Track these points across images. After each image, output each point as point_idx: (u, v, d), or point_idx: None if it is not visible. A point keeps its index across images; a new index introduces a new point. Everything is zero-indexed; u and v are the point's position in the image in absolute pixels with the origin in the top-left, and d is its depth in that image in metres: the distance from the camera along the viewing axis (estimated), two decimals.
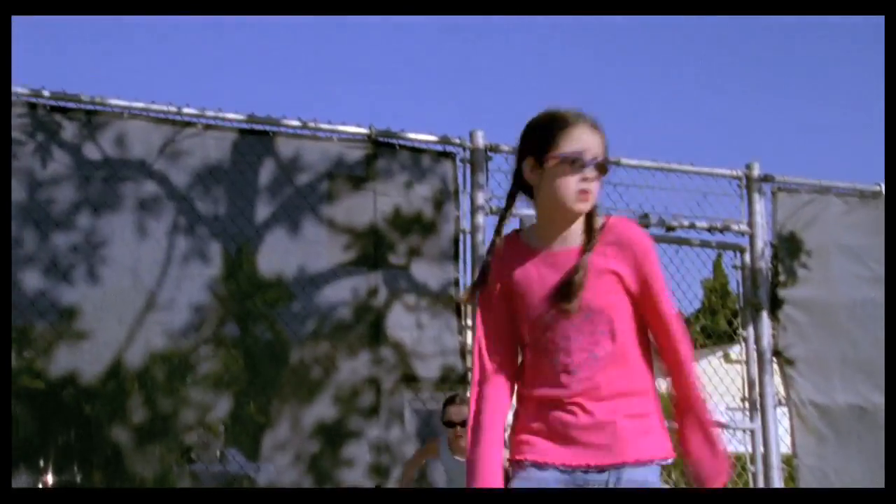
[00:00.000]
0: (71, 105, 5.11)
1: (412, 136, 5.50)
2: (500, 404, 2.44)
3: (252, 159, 5.32)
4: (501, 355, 2.48)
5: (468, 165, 5.50)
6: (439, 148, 5.54)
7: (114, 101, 5.15)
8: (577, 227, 2.46)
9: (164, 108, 5.18)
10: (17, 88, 5.02)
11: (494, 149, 5.51)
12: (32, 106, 5.09)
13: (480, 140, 5.50)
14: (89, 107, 5.13)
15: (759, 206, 6.32)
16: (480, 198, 5.46)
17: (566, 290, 2.37)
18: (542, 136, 2.45)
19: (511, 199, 2.56)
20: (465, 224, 5.49)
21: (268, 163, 5.33)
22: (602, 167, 2.42)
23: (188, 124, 5.24)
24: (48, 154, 5.15)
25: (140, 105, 5.15)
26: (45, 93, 5.07)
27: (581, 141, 2.40)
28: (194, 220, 5.21)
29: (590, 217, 2.46)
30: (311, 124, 5.33)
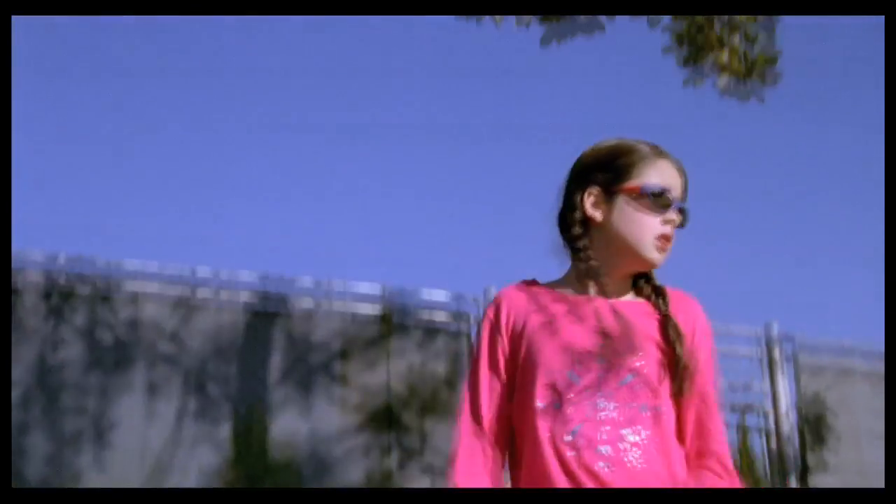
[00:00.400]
0: (86, 271, 5.15)
1: (426, 294, 5.49)
2: (495, 462, 1.94)
3: (266, 323, 5.29)
4: (500, 415, 1.95)
5: None
6: (453, 306, 5.52)
7: (128, 264, 5.19)
8: (628, 283, 1.99)
9: (178, 267, 5.22)
10: (34, 251, 5.09)
11: None
12: (50, 278, 5.10)
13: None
14: (103, 271, 5.17)
15: (780, 380, 6.22)
16: None
17: (636, 367, 1.86)
18: (615, 162, 1.98)
19: (572, 238, 1.98)
20: None
21: (281, 324, 5.30)
22: (684, 217, 1.97)
23: (201, 294, 5.22)
24: (62, 320, 5.16)
25: (154, 268, 5.19)
26: (62, 259, 5.14)
27: (667, 175, 1.96)
28: (205, 400, 5.13)
29: (646, 275, 1.99)
30: (325, 282, 5.34)
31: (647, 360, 1.87)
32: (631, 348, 1.87)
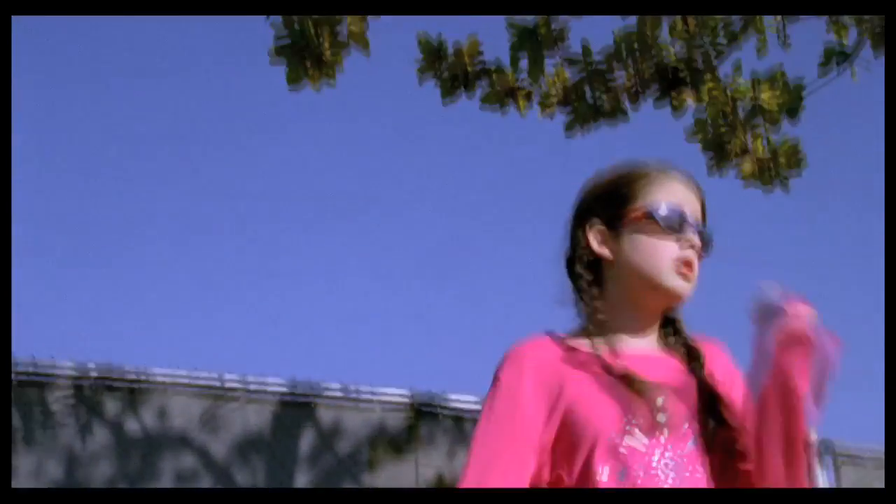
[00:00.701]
0: (115, 377, 5.17)
1: (454, 398, 5.43)
2: None
3: (293, 429, 5.26)
4: (518, 476, 1.59)
5: None
6: (476, 407, 5.45)
7: (157, 371, 5.20)
8: (656, 331, 1.73)
9: (206, 375, 5.22)
10: (63, 363, 5.11)
11: None
12: (78, 385, 5.15)
13: None
14: (132, 377, 5.18)
15: (821, 476, 6.04)
16: None
17: (692, 429, 1.60)
18: (617, 191, 1.73)
19: (584, 291, 1.71)
20: None
21: (308, 432, 5.26)
22: (705, 242, 1.70)
23: (230, 398, 5.24)
24: (89, 431, 5.16)
25: (183, 373, 5.19)
26: (91, 367, 5.16)
27: (678, 195, 1.71)
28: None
29: (672, 322, 1.74)
30: (353, 388, 5.31)
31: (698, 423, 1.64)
32: (688, 406, 1.64)
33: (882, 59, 4.39)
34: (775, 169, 4.35)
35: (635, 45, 4.08)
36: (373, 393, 5.37)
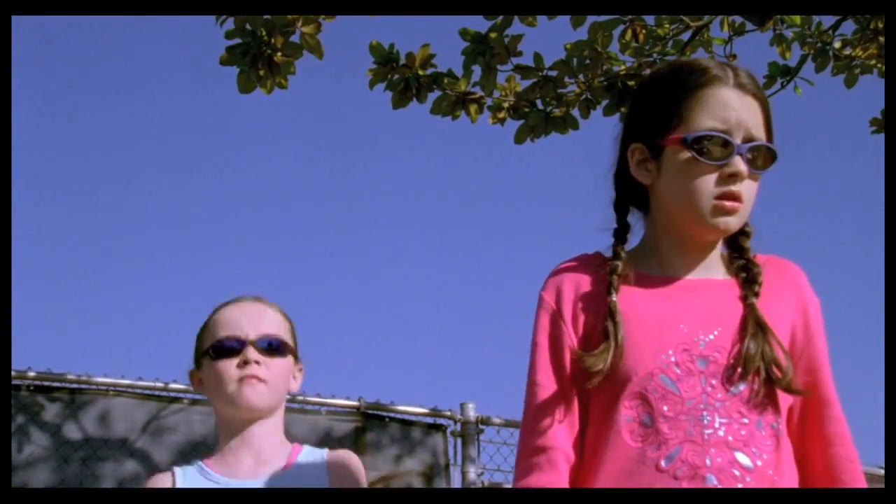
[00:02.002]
0: (56, 384, 5.06)
1: (402, 408, 5.41)
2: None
3: None
4: (570, 426, 1.52)
5: (459, 439, 5.38)
6: (429, 420, 5.44)
7: (100, 380, 5.11)
8: (716, 254, 1.59)
9: (151, 384, 5.13)
10: None
11: (485, 421, 5.40)
12: (17, 388, 5.04)
13: (472, 412, 5.41)
14: (74, 385, 5.08)
15: None
16: (472, 472, 5.28)
17: (739, 364, 1.46)
18: (658, 103, 1.55)
19: (621, 213, 1.62)
20: None
21: None
22: (762, 156, 1.52)
23: (174, 400, 5.16)
24: (26, 437, 5.04)
25: (126, 382, 5.10)
26: (31, 373, 5.05)
27: (723, 109, 1.50)
28: None
29: (737, 239, 1.59)
30: (300, 397, 5.26)
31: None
32: (737, 343, 1.47)
33: (824, 75, 4.50)
34: None
35: (586, 56, 4.13)
36: (321, 398, 5.33)
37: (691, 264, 1.56)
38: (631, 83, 4.11)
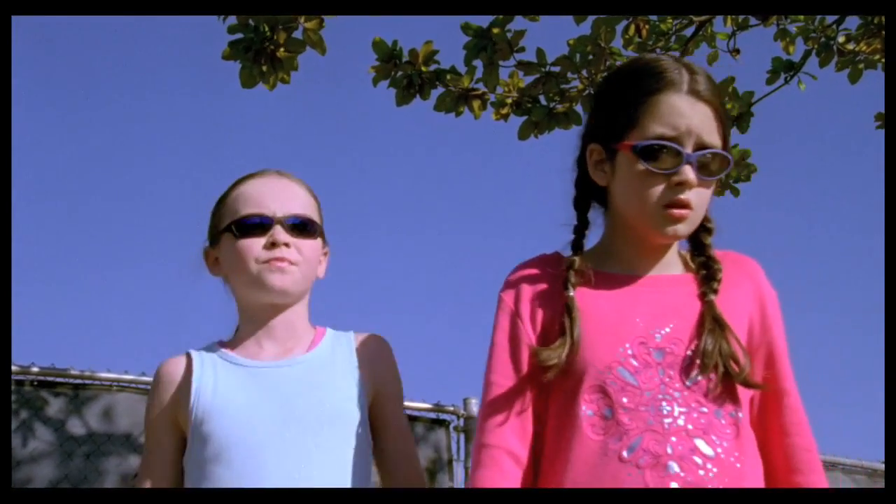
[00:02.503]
0: (59, 380, 5.07)
1: (405, 403, 5.41)
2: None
3: None
4: (523, 424, 1.55)
5: (462, 434, 5.38)
6: (432, 416, 5.44)
7: (103, 375, 5.11)
8: (674, 249, 1.63)
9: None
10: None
11: None
12: (20, 383, 5.05)
13: (475, 407, 5.41)
14: (77, 381, 5.09)
15: None
16: None
17: (696, 358, 1.47)
18: (613, 106, 1.57)
19: (581, 211, 1.65)
20: None
21: None
22: (715, 162, 1.52)
23: None
24: (31, 432, 5.05)
25: (129, 378, 5.11)
26: (34, 368, 5.05)
27: (674, 116, 1.50)
28: None
29: (697, 238, 1.61)
30: None
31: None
32: (695, 338, 1.50)
33: (827, 71, 4.48)
34: (725, 176, 4.42)
35: (589, 51, 4.11)
36: None
37: (648, 262, 1.60)
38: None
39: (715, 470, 1.45)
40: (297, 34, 3.85)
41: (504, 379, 1.57)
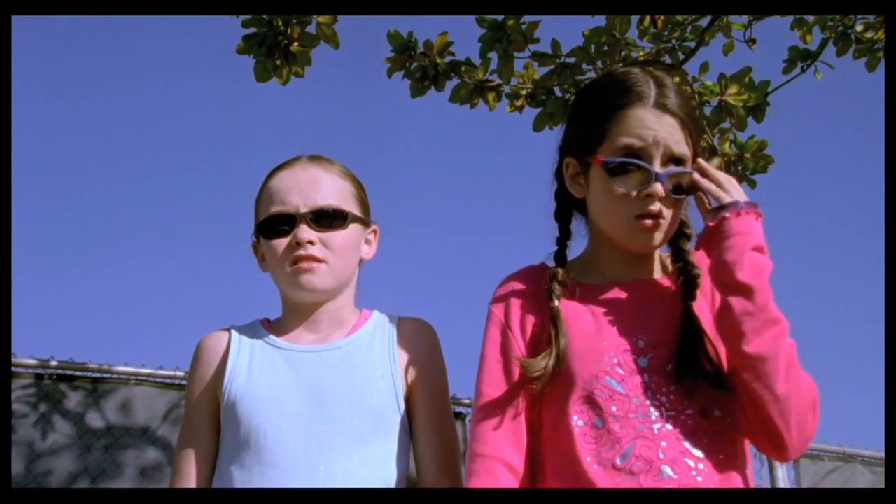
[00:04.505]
0: (78, 374, 5.11)
1: None
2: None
3: None
4: (515, 434, 1.59)
5: None
6: None
7: (121, 369, 5.14)
8: (653, 255, 1.67)
9: (171, 373, 5.16)
10: (25, 360, 5.04)
11: None
12: (39, 377, 5.08)
13: None
14: (96, 374, 5.12)
15: (781, 472, 6.10)
16: None
17: (680, 362, 1.51)
18: (585, 120, 1.62)
19: (562, 222, 1.69)
20: None
21: None
22: (685, 179, 1.56)
23: None
24: (50, 425, 5.09)
25: (147, 371, 5.14)
26: (53, 362, 5.09)
27: (641, 129, 1.55)
28: None
29: (676, 243, 1.64)
30: None
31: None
32: (675, 343, 1.53)
33: (845, 59, 4.44)
34: (742, 168, 4.39)
35: (604, 42, 4.09)
36: None
37: (628, 270, 1.64)
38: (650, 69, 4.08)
39: (705, 469, 1.50)
40: (311, 28, 3.85)
41: (495, 390, 1.60)
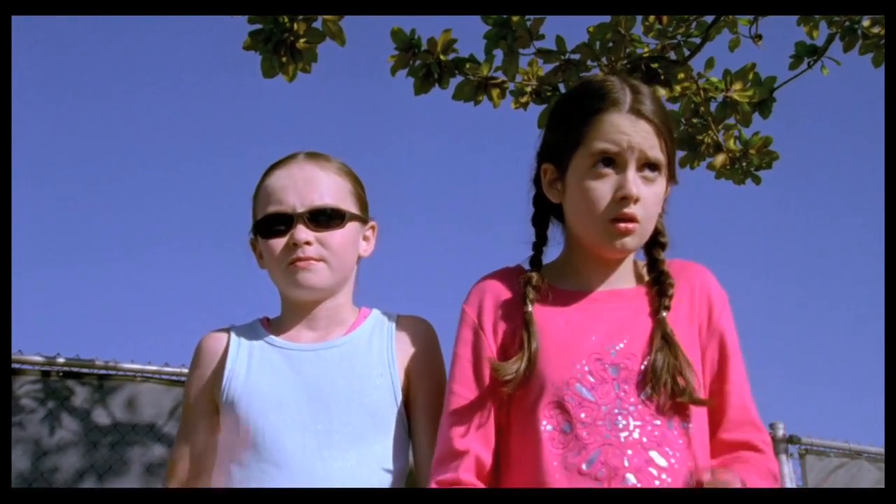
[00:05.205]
0: (84, 370, 5.12)
1: None
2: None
3: None
4: (484, 434, 1.61)
5: None
6: None
7: (127, 366, 5.15)
8: (627, 263, 1.69)
9: (178, 370, 5.17)
10: (31, 357, 5.05)
11: None
12: (46, 374, 5.09)
13: None
14: (102, 372, 5.13)
15: (787, 468, 6.09)
16: None
17: (648, 374, 1.53)
18: (562, 126, 1.64)
19: (539, 227, 1.72)
20: None
21: None
22: (664, 173, 1.60)
23: None
24: (57, 422, 5.10)
25: (153, 368, 5.14)
26: (60, 360, 5.10)
27: (616, 134, 1.58)
28: None
29: (650, 252, 1.68)
30: None
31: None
32: (647, 354, 1.55)
33: (852, 55, 4.43)
34: (747, 164, 4.38)
35: (609, 39, 4.09)
36: None
37: (602, 277, 1.65)
38: (654, 65, 4.08)
39: (669, 480, 1.51)
40: (317, 25, 3.85)
41: (466, 390, 1.63)
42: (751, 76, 4.12)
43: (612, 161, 1.59)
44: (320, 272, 1.82)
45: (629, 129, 1.58)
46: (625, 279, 1.67)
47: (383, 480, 1.76)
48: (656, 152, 1.61)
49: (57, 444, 5.01)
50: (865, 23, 4.51)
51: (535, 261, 1.68)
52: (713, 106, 4.12)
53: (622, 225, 1.58)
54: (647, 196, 1.59)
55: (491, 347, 1.63)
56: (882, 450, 6.51)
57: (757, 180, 4.31)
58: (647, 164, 1.60)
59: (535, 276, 1.65)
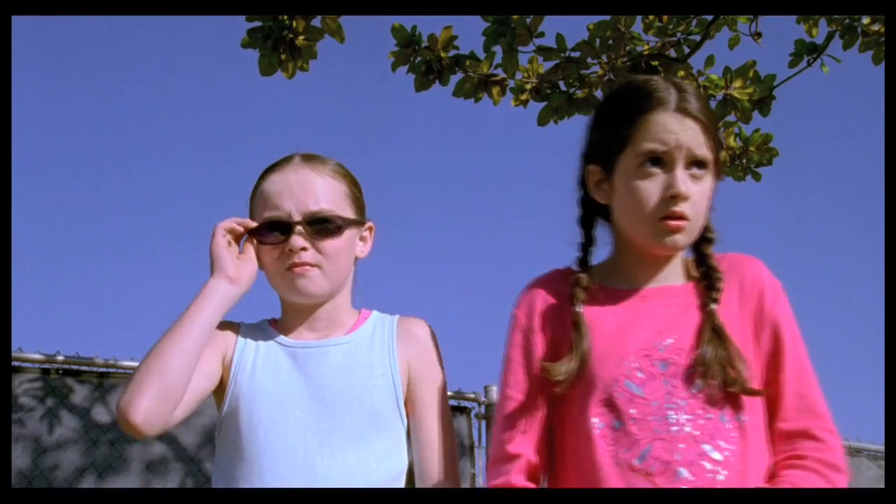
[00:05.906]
0: (84, 368, 5.12)
1: None
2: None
3: None
4: (536, 436, 1.64)
5: (483, 421, 5.39)
6: (454, 403, 5.44)
7: (127, 363, 5.15)
8: (677, 261, 1.69)
9: None
10: (31, 354, 5.05)
11: None
12: (45, 371, 5.10)
13: (495, 395, 5.42)
14: (102, 369, 5.14)
15: None
16: None
17: (698, 367, 1.53)
18: (608, 127, 1.65)
19: (586, 228, 1.73)
20: (481, 481, 5.28)
21: None
22: (711, 171, 1.61)
23: None
24: (56, 419, 5.10)
25: None
26: (59, 357, 5.10)
27: (663, 133, 1.59)
28: (202, 482, 5.05)
29: (698, 248, 1.68)
30: None
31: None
32: (696, 348, 1.55)
33: (851, 53, 4.43)
34: (747, 161, 4.38)
35: (609, 37, 4.08)
36: None
37: (651, 274, 1.66)
38: (655, 63, 4.08)
39: (725, 473, 1.51)
40: (316, 22, 3.85)
41: (519, 394, 1.65)
42: (751, 74, 4.12)
43: (660, 160, 1.60)
44: (316, 278, 1.84)
45: (676, 128, 1.59)
46: (674, 276, 1.68)
47: (383, 480, 1.78)
48: (703, 150, 1.62)
49: (57, 442, 5.02)
50: (865, 21, 4.50)
51: (584, 262, 1.70)
52: (713, 103, 4.11)
53: (672, 223, 1.59)
54: (696, 194, 1.61)
55: (541, 350, 1.65)
56: (882, 447, 6.51)
57: (757, 177, 4.31)
58: (695, 162, 1.61)
59: (584, 276, 1.66)
